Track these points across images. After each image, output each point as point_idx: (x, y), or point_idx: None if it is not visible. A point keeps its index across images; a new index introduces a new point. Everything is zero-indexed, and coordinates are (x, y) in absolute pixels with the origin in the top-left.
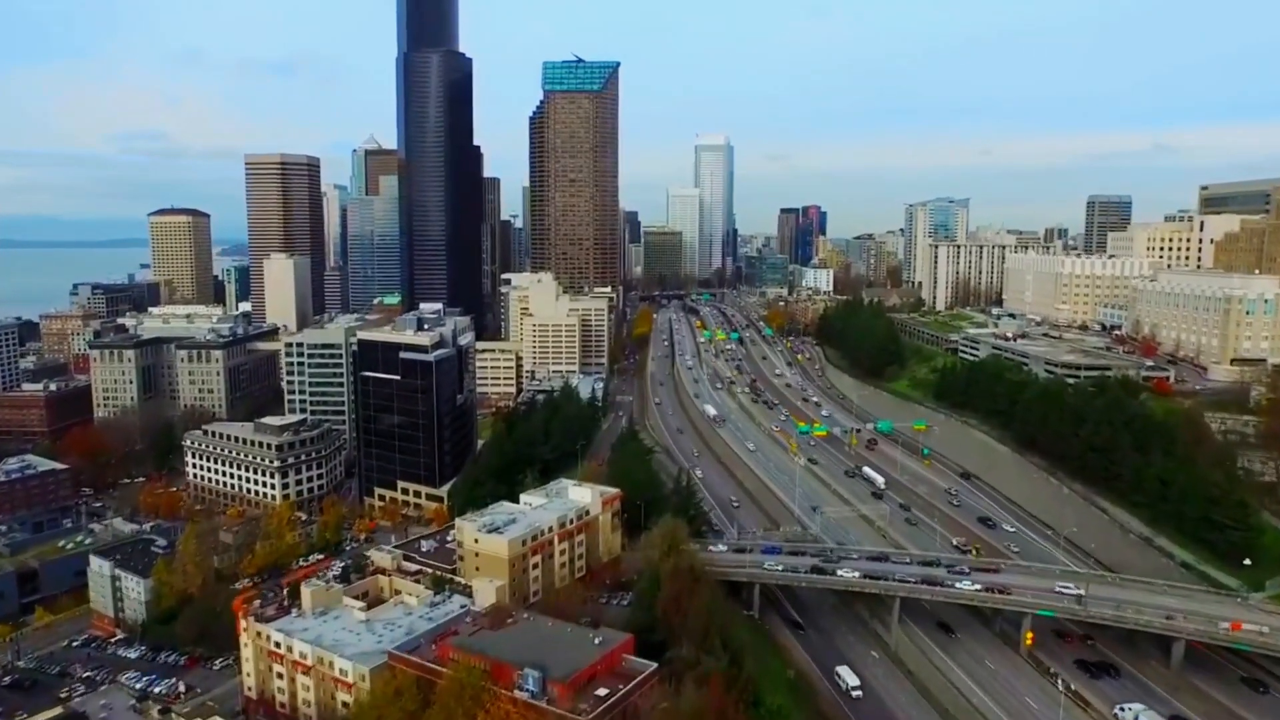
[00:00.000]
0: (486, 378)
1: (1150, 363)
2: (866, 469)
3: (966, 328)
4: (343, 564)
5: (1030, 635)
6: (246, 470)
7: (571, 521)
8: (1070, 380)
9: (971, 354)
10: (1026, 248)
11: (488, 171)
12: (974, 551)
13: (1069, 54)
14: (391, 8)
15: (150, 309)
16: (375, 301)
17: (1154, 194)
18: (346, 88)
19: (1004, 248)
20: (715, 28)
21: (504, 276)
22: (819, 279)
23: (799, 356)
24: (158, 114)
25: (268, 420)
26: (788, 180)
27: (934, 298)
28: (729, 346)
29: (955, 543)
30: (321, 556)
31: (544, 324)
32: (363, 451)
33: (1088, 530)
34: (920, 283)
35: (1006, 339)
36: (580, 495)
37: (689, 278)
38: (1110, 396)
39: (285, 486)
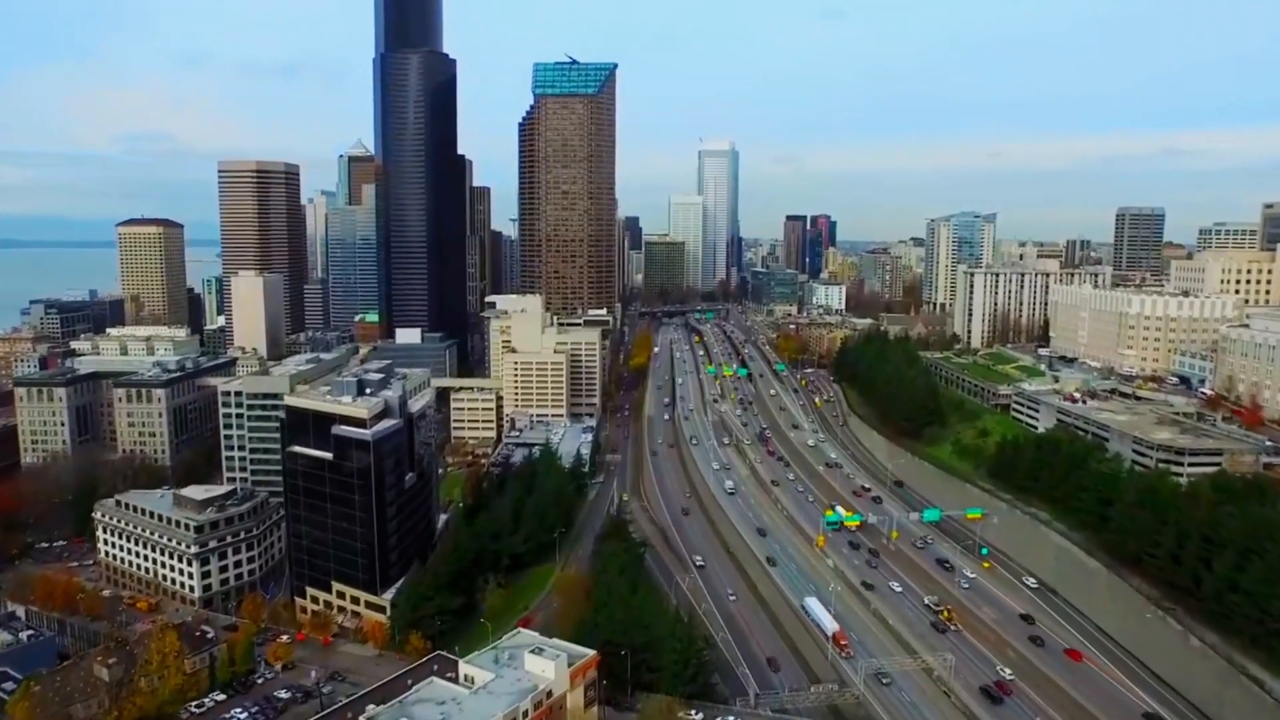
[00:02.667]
0: (464, 421)
1: (1270, 442)
2: (838, 508)
3: (1014, 374)
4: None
5: None
6: (161, 554)
7: (527, 714)
8: (1175, 471)
9: (1030, 417)
10: (1072, 276)
11: (478, 180)
12: (944, 613)
13: (1078, 56)
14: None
15: (109, 330)
16: (356, 319)
17: (1169, 197)
18: (349, 90)
19: (1047, 275)
20: (722, 28)
21: (488, 300)
22: (830, 296)
23: (817, 400)
24: (164, 116)
25: (189, 491)
26: (795, 183)
27: (968, 332)
28: (737, 382)
29: (927, 600)
30: (222, 698)
31: (527, 361)
32: (291, 544)
33: (1235, 709)
34: (944, 305)
35: (1074, 400)
36: (541, 668)
37: (692, 290)
38: (1252, 515)
39: (205, 575)
